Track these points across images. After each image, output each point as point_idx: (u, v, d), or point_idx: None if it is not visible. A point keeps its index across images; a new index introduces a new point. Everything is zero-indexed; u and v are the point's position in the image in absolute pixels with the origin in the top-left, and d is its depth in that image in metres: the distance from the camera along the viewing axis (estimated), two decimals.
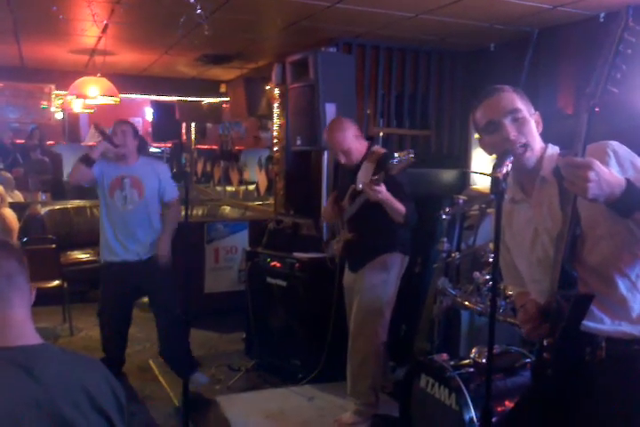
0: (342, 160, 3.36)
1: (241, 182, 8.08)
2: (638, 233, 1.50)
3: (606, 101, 1.41)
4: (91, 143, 8.82)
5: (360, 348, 3.37)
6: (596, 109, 1.41)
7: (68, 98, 6.28)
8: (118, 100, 6.01)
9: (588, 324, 1.56)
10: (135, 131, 3.86)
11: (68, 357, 1.49)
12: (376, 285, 3.32)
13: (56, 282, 5.04)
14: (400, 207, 3.08)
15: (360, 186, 3.17)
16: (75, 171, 3.81)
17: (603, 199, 1.37)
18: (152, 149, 9.25)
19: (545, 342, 1.63)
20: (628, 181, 1.38)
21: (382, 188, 2.95)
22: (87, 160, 3.72)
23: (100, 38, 5.19)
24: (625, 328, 1.55)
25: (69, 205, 6.91)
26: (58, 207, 6.80)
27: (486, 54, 5.07)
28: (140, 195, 3.82)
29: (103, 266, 4.01)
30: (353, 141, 3.30)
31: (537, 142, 1.68)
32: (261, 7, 4.19)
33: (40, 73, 7.12)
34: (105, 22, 4.59)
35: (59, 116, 8.68)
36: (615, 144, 1.55)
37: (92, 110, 7.65)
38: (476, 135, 1.83)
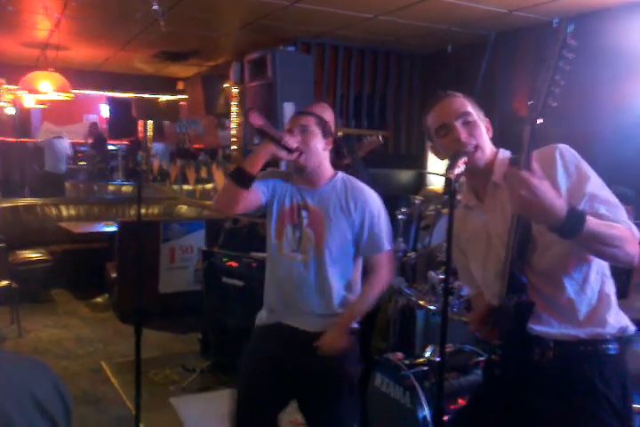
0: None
1: (198, 181, 7.99)
2: None
3: (548, 114, 1.44)
4: (40, 140, 8.64)
5: None
6: (539, 121, 1.43)
7: (19, 93, 6.12)
8: (72, 95, 5.88)
9: (536, 327, 1.59)
10: (327, 128, 2.28)
11: (12, 359, 1.44)
12: None
13: (4, 282, 4.89)
14: None
15: None
16: (224, 194, 2.21)
17: (539, 221, 1.41)
18: (110, 147, 9.12)
19: (493, 344, 1.67)
20: (570, 206, 1.38)
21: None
22: (242, 177, 2.14)
23: (52, 32, 5.06)
24: (571, 331, 1.59)
25: (20, 203, 6.72)
26: (6, 205, 6.61)
27: (444, 56, 5.13)
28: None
29: None
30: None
31: (488, 146, 1.70)
32: (219, 5, 4.15)
33: None
34: (57, 16, 4.47)
35: (10, 111, 8.46)
36: (563, 147, 1.57)
37: (45, 106, 7.48)
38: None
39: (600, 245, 1.42)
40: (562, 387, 1.59)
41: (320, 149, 2.22)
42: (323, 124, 2.25)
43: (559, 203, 1.37)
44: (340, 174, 2.30)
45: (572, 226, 1.37)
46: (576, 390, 1.58)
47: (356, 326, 2.28)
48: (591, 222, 1.38)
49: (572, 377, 1.58)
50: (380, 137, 2.92)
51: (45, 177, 8.29)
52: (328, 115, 2.86)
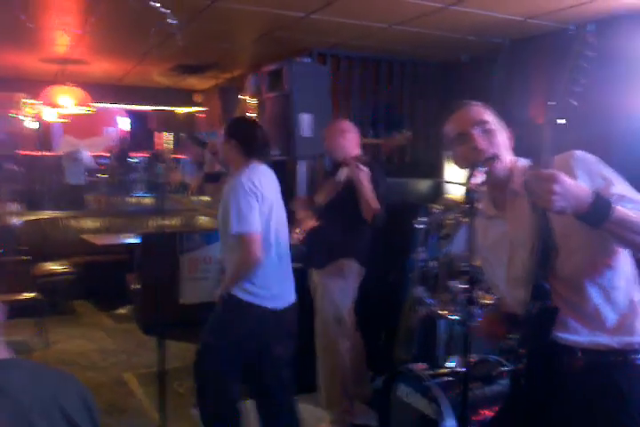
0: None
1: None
2: (610, 242, 1.52)
3: (569, 114, 1.44)
4: (61, 152, 8.74)
5: (326, 358, 3.40)
6: (559, 122, 1.43)
7: (40, 107, 6.22)
8: (93, 109, 5.97)
9: (563, 335, 1.58)
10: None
11: (40, 371, 1.47)
12: (334, 292, 3.36)
13: (30, 294, 4.96)
14: (374, 202, 3.13)
15: (340, 176, 3.23)
16: None
17: (570, 211, 1.38)
18: (131, 159, 9.19)
19: (519, 353, 1.66)
20: (595, 192, 1.39)
21: (366, 169, 3.01)
22: None
23: (71, 47, 5.15)
24: (601, 339, 1.57)
25: (43, 216, 6.82)
26: (30, 218, 6.71)
27: (459, 65, 5.14)
28: None
29: None
30: (351, 141, 3.40)
31: (507, 155, 1.71)
32: (235, 17, 4.19)
33: (8, 82, 7.01)
34: (76, 32, 4.55)
35: (33, 125, 8.58)
36: (580, 153, 1.57)
37: (67, 120, 7.58)
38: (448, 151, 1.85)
39: (630, 233, 1.41)
40: (590, 397, 1.57)
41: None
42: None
43: (584, 190, 1.38)
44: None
45: (599, 212, 1.37)
46: (605, 400, 1.56)
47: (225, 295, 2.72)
48: (619, 210, 1.38)
49: (601, 388, 1.56)
50: (409, 132, 2.96)
51: (65, 189, 8.39)
52: (343, 132, 3.37)
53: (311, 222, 3.42)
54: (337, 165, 3.51)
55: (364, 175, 3.08)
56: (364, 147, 5.12)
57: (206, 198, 8.28)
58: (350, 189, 3.21)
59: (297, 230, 3.53)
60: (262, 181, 2.69)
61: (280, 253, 2.80)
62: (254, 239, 2.61)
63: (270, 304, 2.74)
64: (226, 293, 2.73)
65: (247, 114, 5.65)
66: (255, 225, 2.61)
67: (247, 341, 2.77)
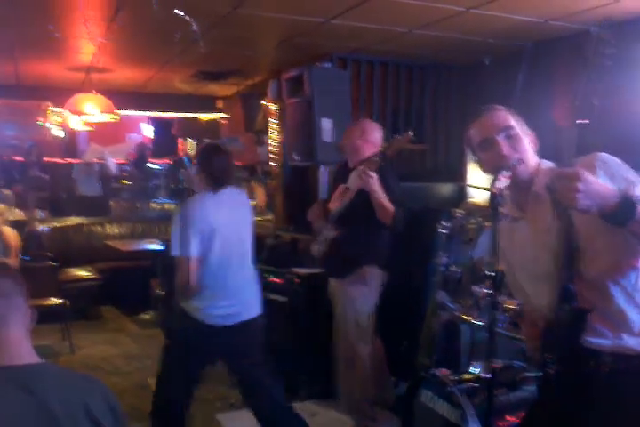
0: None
1: None
2: (635, 243, 1.51)
3: (592, 113, 1.43)
4: (93, 160, 8.86)
5: (347, 363, 3.39)
6: (583, 122, 1.43)
7: (66, 115, 6.31)
8: (118, 117, 6.04)
9: (590, 340, 1.56)
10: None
11: (68, 375, 1.50)
12: (356, 298, 3.34)
13: (56, 300, 5.03)
14: (389, 205, 3.11)
15: (351, 184, 3.22)
16: None
17: (595, 210, 1.37)
18: (152, 166, 9.27)
19: (547, 357, 1.63)
20: (621, 191, 1.39)
21: (375, 176, 2.99)
22: None
23: (95, 55, 5.22)
24: (627, 342, 1.55)
25: (68, 223, 6.91)
26: (56, 225, 6.81)
27: (481, 68, 5.10)
28: None
29: None
30: (369, 142, 3.37)
31: (531, 159, 1.70)
32: (257, 24, 4.22)
33: (36, 90, 7.14)
34: (100, 40, 4.62)
35: (58, 133, 8.72)
36: (603, 156, 1.56)
37: (92, 128, 7.69)
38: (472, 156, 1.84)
39: None
40: (618, 403, 1.55)
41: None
42: None
43: (610, 189, 1.38)
44: None
45: (625, 211, 1.37)
46: (633, 406, 1.54)
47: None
48: None
49: (629, 393, 1.54)
50: (411, 133, 2.92)
51: (90, 196, 8.50)
52: (363, 131, 3.33)
53: (330, 233, 3.40)
54: (344, 167, 3.50)
55: (372, 182, 3.04)
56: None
57: None
58: (364, 194, 3.18)
59: (316, 242, 3.53)
60: (209, 208, 2.88)
61: (231, 273, 2.93)
62: (188, 263, 2.80)
63: (219, 321, 2.88)
64: (178, 307, 2.96)
65: (270, 120, 5.69)
66: (190, 250, 2.79)
67: (193, 352, 2.94)
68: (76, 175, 8.65)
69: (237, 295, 2.96)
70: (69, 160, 8.96)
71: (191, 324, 2.90)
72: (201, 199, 2.93)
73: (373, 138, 3.39)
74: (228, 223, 2.90)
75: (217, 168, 2.94)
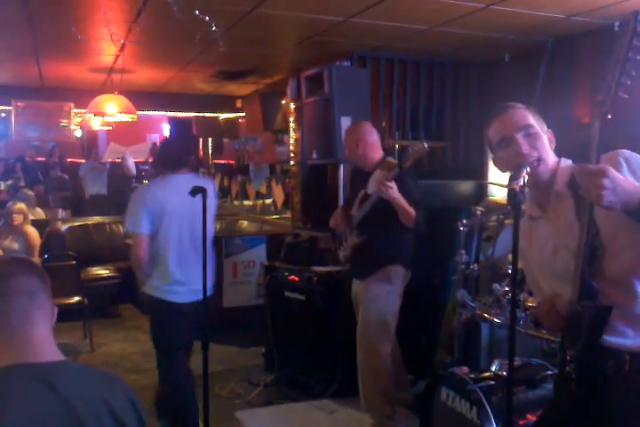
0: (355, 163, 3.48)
1: (258, 196, 8.11)
2: None
3: (619, 108, 1.41)
4: (110, 160, 8.94)
5: (367, 361, 3.38)
6: (609, 117, 1.41)
7: (87, 116, 6.38)
8: (135, 117, 6.09)
9: (610, 339, 1.54)
10: None
11: (90, 372, 1.51)
12: (379, 296, 3.34)
13: (77, 298, 5.08)
14: (410, 210, 3.10)
15: (371, 189, 3.22)
16: None
17: (619, 206, 1.36)
18: None
19: (567, 356, 1.61)
20: None
21: (394, 185, 2.99)
22: None
23: (117, 57, 5.27)
24: None
25: (89, 222, 6.99)
26: (78, 224, 6.88)
27: (501, 65, 5.06)
28: None
29: None
30: (369, 147, 3.38)
31: (550, 157, 1.69)
32: (276, 23, 4.23)
33: (59, 92, 7.24)
34: (122, 41, 4.66)
35: (78, 133, 8.81)
36: (627, 153, 1.54)
37: (111, 127, 7.77)
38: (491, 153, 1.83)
39: None
40: (638, 404, 1.53)
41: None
42: None
43: (635, 185, 1.37)
44: None
45: None
46: None
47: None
48: None
49: None
50: (426, 144, 2.90)
51: (110, 195, 8.58)
52: (361, 136, 3.41)
53: (354, 239, 3.42)
54: (361, 171, 3.50)
55: (392, 192, 3.02)
56: (403, 150, 5.13)
57: (248, 203, 8.37)
58: (384, 200, 3.15)
59: (342, 249, 3.55)
60: (160, 190, 3.15)
61: (181, 253, 3.17)
62: (140, 239, 3.12)
63: (173, 298, 3.16)
64: (141, 291, 3.28)
65: (289, 119, 5.70)
66: (140, 227, 3.09)
67: (167, 331, 3.25)
68: (83, 174, 8.72)
69: (186, 276, 3.17)
70: (91, 161, 9.06)
71: (154, 302, 3.19)
72: (154, 183, 3.31)
73: (371, 140, 3.41)
74: (179, 206, 3.09)
75: (162, 154, 3.34)
